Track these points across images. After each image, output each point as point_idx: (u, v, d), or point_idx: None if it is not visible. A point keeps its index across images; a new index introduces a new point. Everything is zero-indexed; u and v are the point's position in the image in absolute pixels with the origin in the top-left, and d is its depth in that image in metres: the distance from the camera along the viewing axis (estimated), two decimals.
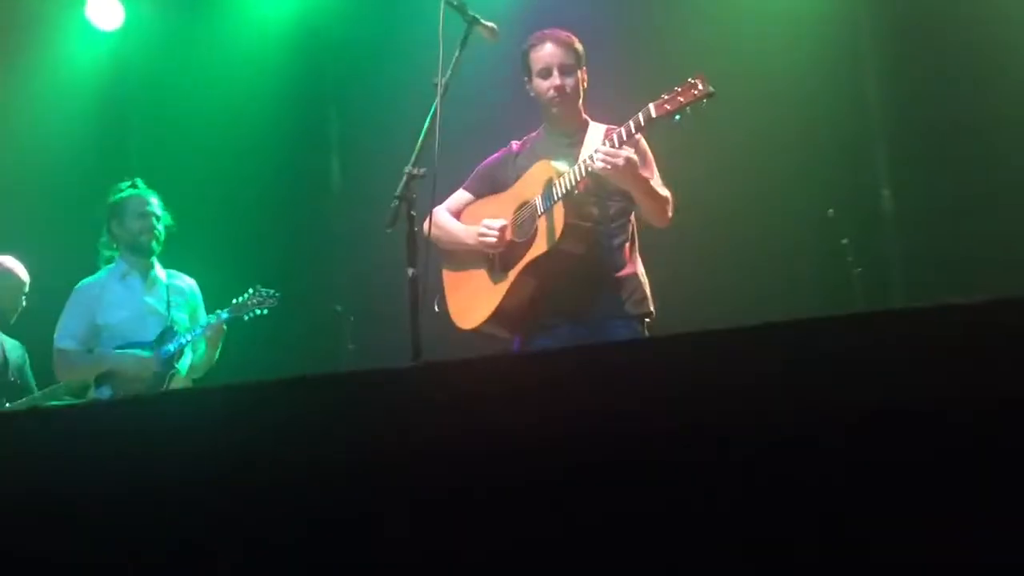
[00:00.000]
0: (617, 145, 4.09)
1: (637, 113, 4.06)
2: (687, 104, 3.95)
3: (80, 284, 5.65)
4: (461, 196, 4.65)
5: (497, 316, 4.37)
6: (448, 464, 1.82)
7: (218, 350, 5.56)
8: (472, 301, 4.46)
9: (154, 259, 5.63)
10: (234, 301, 5.50)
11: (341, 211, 7.62)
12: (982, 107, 6.20)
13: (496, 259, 4.42)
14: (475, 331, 4.45)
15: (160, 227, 5.59)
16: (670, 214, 4.34)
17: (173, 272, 5.73)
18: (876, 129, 6.59)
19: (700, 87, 3.94)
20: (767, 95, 6.34)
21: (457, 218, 4.59)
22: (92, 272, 5.71)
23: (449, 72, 4.04)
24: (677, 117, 3.98)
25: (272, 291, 5.56)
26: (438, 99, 4.00)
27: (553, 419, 1.81)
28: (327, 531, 1.88)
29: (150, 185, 5.74)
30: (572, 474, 1.81)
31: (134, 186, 5.69)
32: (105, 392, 5.38)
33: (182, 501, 1.94)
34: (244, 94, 7.71)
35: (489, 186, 4.61)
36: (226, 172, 7.39)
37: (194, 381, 5.51)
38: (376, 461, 1.85)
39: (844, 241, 5.90)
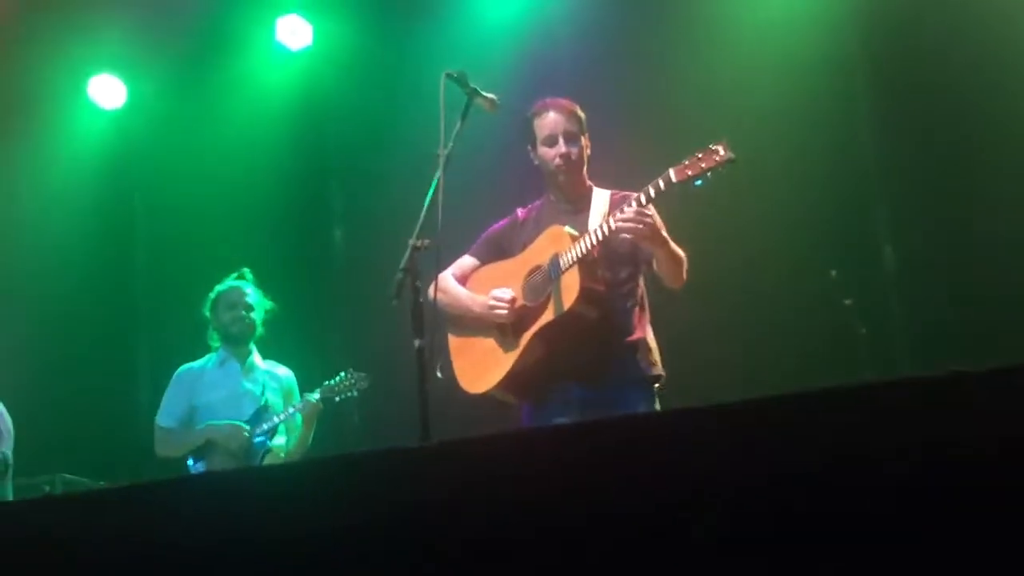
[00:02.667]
0: (644, 207, 4.07)
1: (656, 178, 4.03)
2: (708, 170, 3.92)
3: (181, 368, 5.87)
4: (467, 262, 4.62)
5: (508, 381, 4.33)
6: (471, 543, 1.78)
7: (312, 432, 5.69)
8: (481, 366, 4.42)
9: (252, 347, 5.85)
10: (326, 383, 5.67)
11: (345, 283, 7.60)
12: (982, 163, 6.19)
13: (507, 325, 4.38)
14: (484, 395, 4.41)
15: (253, 316, 5.81)
16: (685, 275, 4.32)
17: (272, 361, 5.92)
18: (876, 188, 6.59)
19: (722, 153, 3.92)
20: (764, 157, 6.32)
21: (463, 283, 4.56)
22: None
23: (451, 143, 4.04)
24: (698, 182, 3.95)
25: (364, 374, 5.71)
26: (440, 170, 4.00)
27: (572, 496, 1.77)
28: None
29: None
30: (593, 551, 1.77)
31: (240, 277, 5.91)
32: (200, 467, 5.56)
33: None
34: (247, 169, 7.72)
35: (496, 252, 4.59)
36: (230, 247, 7.37)
37: None
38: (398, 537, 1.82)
39: (847, 302, 5.87)
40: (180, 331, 6.59)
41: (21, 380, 6.24)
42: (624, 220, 4.06)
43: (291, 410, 5.62)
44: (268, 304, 5.87)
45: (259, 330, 5.84)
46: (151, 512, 2.13)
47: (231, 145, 7.79)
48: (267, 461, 5.52)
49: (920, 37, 6.45)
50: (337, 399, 5.65)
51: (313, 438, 5.80)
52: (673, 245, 4.26)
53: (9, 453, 5.61)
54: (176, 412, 5.74)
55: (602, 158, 4.64)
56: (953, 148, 6.29)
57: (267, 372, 5.82)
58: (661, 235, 4.16)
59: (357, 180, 7.72)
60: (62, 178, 7.97)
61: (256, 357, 5.86)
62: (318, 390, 5.64)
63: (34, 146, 7.93)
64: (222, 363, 5.81)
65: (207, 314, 5.89)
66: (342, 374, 5.68)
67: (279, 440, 5.66)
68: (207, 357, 5.89)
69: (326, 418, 6.05)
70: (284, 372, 5.90)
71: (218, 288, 5.88)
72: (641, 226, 4.05)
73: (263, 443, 5.56)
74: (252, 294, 5.84)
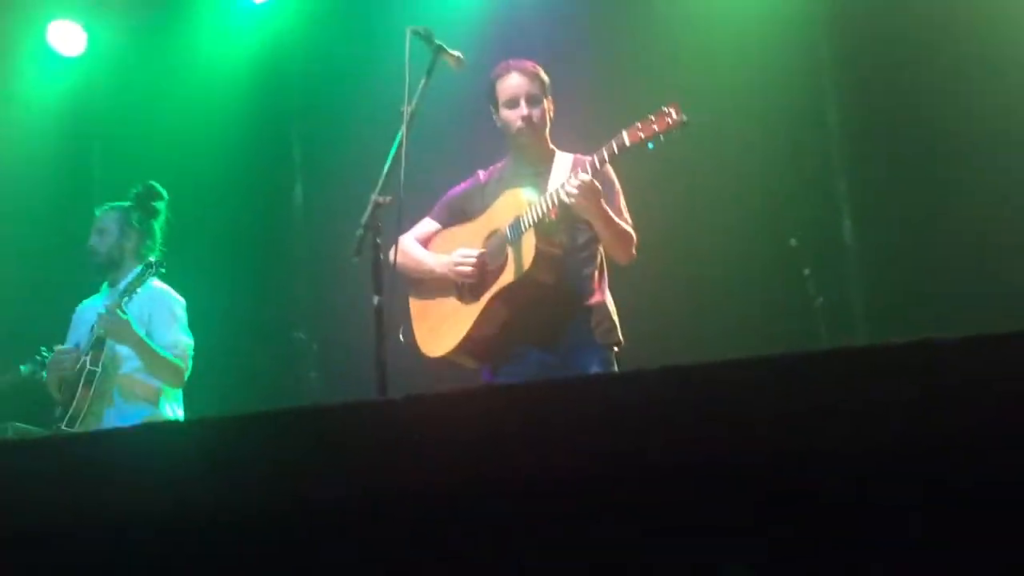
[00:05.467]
0: (590, 173, 4.07)
1: (610, 140, 4.04)
2: (661, 132, 3.93)
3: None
4: (428, 225, 4.62)
5: (466, 344, 4.35)
6: (430, 500, 1.78)
7: (138, 344, 5.12)
8: (440, 329, 4.43)
9: (128, 273, 5.25)
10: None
11: (304, 238, 7.57)
12: (943, 138, 6.23)
13: (465, 287, 4.39)
14: (443, 359, 4.42)
15: (98, 243, 5.41)
16: (633, 252, 4.34)
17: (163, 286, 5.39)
18: (837, 159, 6.61)
19: (674, 115, 3.93)
20: (727, 125, 6.34)
21: (424, 247, 4.56)
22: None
23: (415, 100, 4.03)
24: (650, 146, 3.96)
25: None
26: (404, 127, 3.98)
27: (535, 455, 1.78)
28: (308, 571, 1.84)
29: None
30: (557, 511, 1.78)
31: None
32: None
33: (157, 540, 1.90)
34: (207, 119, 7.64)
35: (456, 215, 4.59)
36: (188, 198, 7.27)
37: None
38: (357, 497, 1.82)
39: (806, 272, 5.92)
40: None
41: None
42: (570, 186, 4.07)
43: (93, 330, 5.15)
44: (135, 216, 5.40)
45: (114, 253, 5.37)
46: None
47: (192, 95, 7.70)
48: (96, 385, 5.08)
49: (886, 11, 6.46)
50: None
51: (264, 398, 5.66)
52: (618, 221, 4.27)
53: None
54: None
55: (567, 122, 4.64)
56: (917, 124, 6.31)
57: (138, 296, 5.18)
58: (597, 207, 4.15)
59: (319, 134, 7.67)
60: (20, 126, 7.86)
61: (128, 278, 5.22)
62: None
63: None
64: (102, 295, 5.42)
65: None
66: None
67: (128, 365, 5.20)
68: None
69: (278, 377, 6.00)
70: (157, 292, 5.31)
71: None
72: (576, 193, 4.06)
73: (90, 370, 5.10)
74: (105, 217, 5.45)
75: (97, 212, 5.54)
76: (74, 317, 5.52)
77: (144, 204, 5.49)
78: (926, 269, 6.09)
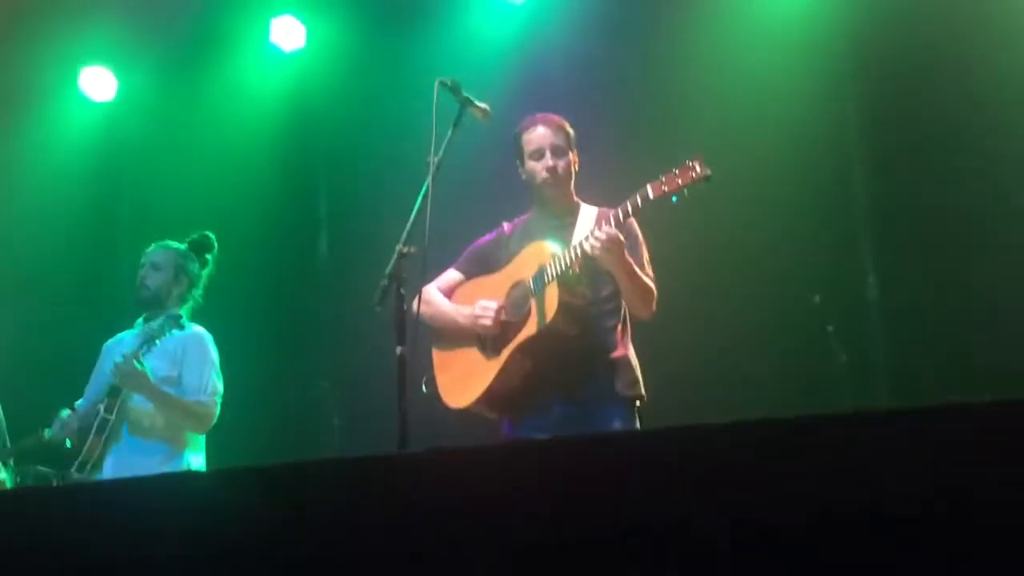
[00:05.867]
0: (614, 225, 4.08)
1: (634, 194, 4.06)
2: (684, 186, 3.95)
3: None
4: (452, 275, 4.63)
5: (488, 396, 4.34)
6: (447, 555, 1.77)
7: (154, 394, 5.08)
8: (463, 380, 4.42)
9: (167, 313, 5.23)
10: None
11: (329, 287, 7.59)
12: (971, 195, 6.18)
13: (488, 339, 4.39)
14: (464, 410, 4.41)
15: (148, 278, 5.38)
16: (654, 307, 4.35)
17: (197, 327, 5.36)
18: (863, 215, 6.57)
19: (698, 169, 3.95)
20: (751, 179, 6.33)
21: (448, 298, 4.57)
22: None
23: (442, 151, 4.05)
24: (674, 199, 3.98)
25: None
26: (430, 177, 4.00)
27: (551, 510, 1.77)
28: None
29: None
30: (579, 570, 1.77)
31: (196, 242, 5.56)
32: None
33: None
34: (235, 169, 7.71)
35: (480, 266, 4.60)
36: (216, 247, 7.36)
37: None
38: (373, 549, 1.81)
39: (829, 328, 5.88)
40: None
41: (5, 375, 6.22)
42: (595, 238, 4.09)
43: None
44: (192, 264, 5.41)
45: (162, 292, 5.34)
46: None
47: (220, 144, 7.78)
48: (109, 433, 5.08)
49: (914, 63, 6.45)
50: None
51: (287, 446, 5.64)
52: (640, 274, 4.28)
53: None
54: (89, 392, 5.37)
55: (592, 175, 4.66)
56: (944, 181, 6.27)
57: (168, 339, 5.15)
58: (621, 259, 4.17)
59: (345, 184, 7.71)
60: (51, 171, 7.95)
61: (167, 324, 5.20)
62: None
63: (24, 138, 7.92)
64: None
65: None
66: (161, 318, 5.13)
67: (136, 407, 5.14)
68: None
69: (302, 425, 5.99)
70: (195, 334, 5.27)
71: None
72: (600, 246, 4.08)
73: (103, 417, 5.07)
74: (163, 255, 5.43)
75: (152, 247, 5.53)
76: (104, 350, 5.51)
77: (200, 252, 5.54)
78: (952, 329, 6.05)
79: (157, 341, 5.09)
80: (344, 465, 1.98)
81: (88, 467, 5.11)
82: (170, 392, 5.15)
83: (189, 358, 5.27)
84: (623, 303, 4.41)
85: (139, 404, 5.19)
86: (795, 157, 6.54)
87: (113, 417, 5.13)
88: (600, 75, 7.10)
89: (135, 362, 5.05)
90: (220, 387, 5.30)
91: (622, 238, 4.12)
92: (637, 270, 4.25)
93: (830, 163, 6.61)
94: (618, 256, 4.13)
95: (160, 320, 5.13)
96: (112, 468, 5.13)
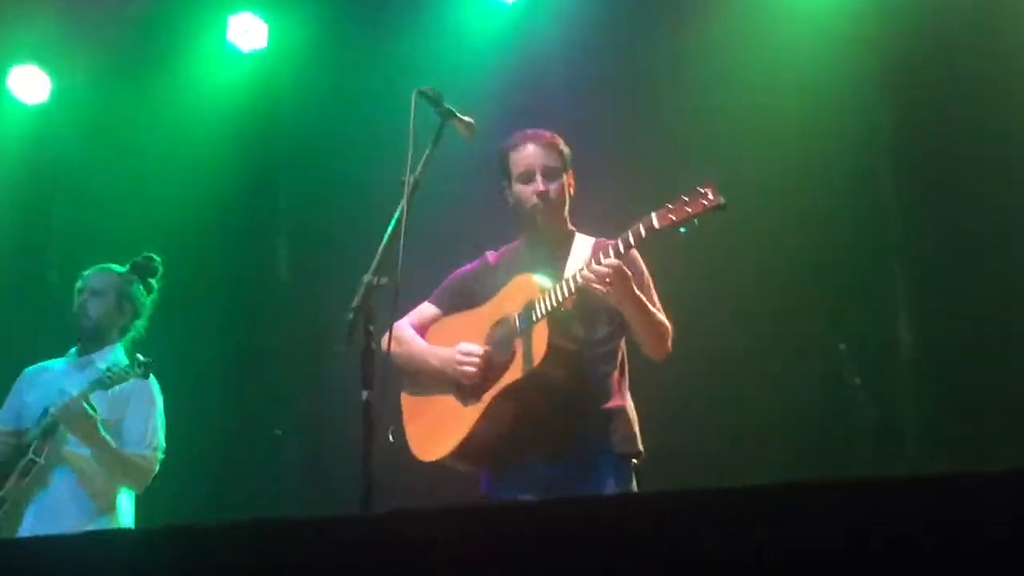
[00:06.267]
0: (613, 258, 4.08)
1: (637, 222, 4.05)
2: (695, 215, 3.91)
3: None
4: (427, 310, 4.63)
5: (464, 448, 4.33)
6: None
7: (97, 440, 5.07)
8: (436, 430, 4.41)
9: (106, 345, 5.36)
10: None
11: (288, 320, 7.55)
12: (1016, 235, 6.19)
13: (467, 385, 4.37)
14: (437, 463, 4.40)
15: (88, 304, 5.38)
16: (669, 346, 4.33)
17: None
18: (894, 255, 6.54)
19: (711, 197, 3.91)
20: (769, 210, 6.32)
21: (422, 335, 4.57)
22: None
23: (419, 170, 4.04)
24: (682, 230, 3.95)
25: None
26: (405, 199, 3.99)
27: None
28: None
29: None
30: None
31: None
32: None
33: None
34: (183, 180, 7.67)
35: (460, 301, 4.60)
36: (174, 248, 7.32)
37: None
38: None
39: (856, 382, 5.88)
40: None
41: None
42: (592, 271, 4.07)
43: (48, 415, 5.07)
44: (136, 290, 5.43)
45: (105, 323, 5.37)
46: None
47: (166, 154, 7.75)
48: (34, 477, 5.06)
49: (954, 101, 6.43)
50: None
51: (235, 501, 5.60)
52: (652, 309, 4.28)
53: None
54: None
55: (589, 201, 4.66)
56: (984, 218, 6.26)
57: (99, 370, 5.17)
58: (631, 293, 4.15)
59: (308, 204, 7.69)
60: None
61: (104, 355, 5.31)
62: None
63: None
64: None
65: None
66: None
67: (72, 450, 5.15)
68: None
69: (252, 478, 5.97)
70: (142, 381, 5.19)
71: None
72: (608, 280, 4.06)
73: (30, 459, 5.06)
74: (104, 279, 5.43)
75: (91, 271, 5.52)
76: (23, 379, 5.48)
77: (144, 276, 5.52)
78: (991, 384, 6.03)
79: (116, 388, 5.07)
80: (298, 526, 1.98)
81: (3, 507, 5.07)
82: (109, 440, 5.12)
83: (134, 404, 5.25)
84: (621, 346, 4.42)
85: (74, 448, 5.17)
86: (822, 188, 6.50)
87: (42, 461, 5.10)
88: (600, 84, 7.08)
89: (85, 405, 5.02)
90: (163, 442, 5.28)
91: (626, 269, 4.12)
92: (648, 305, 4.25)
93: (861, 198, 6.56)
94: (626, 289, 4.12)
95: (124, 366, 5.08)
96: (34, 519, 5.10)
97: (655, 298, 4.39)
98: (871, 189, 6.61)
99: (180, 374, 6.05)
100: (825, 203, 6.50)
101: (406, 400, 4.54)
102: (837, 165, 6.56)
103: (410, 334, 4.53)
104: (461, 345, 4.39)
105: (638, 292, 4.19)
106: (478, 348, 4.36)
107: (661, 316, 4.32)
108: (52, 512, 5.09)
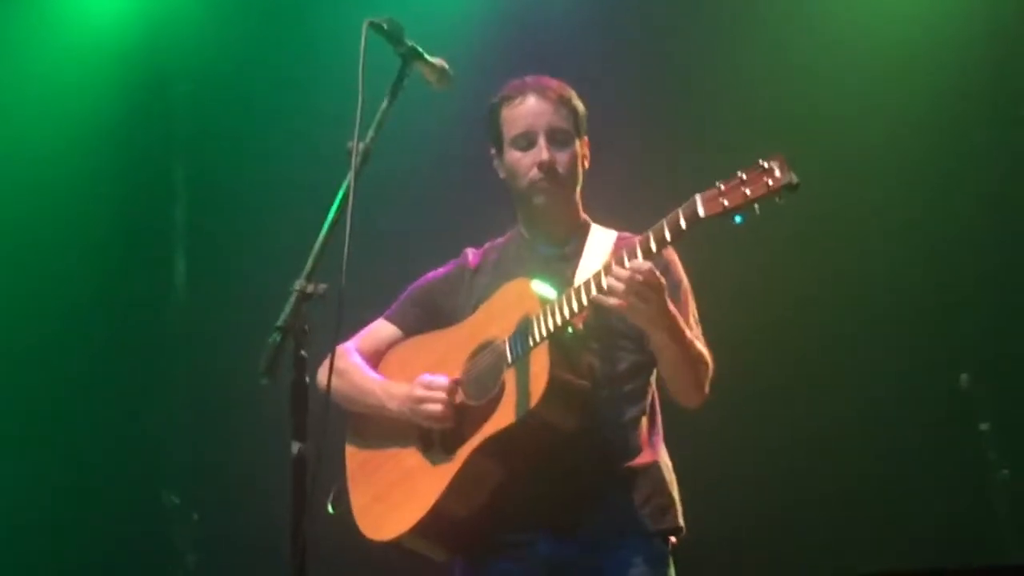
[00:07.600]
0: (640, 259, 4.00)
1: (675, 210, 3.93)
2: (755, 199, 3.76)
3: None
4: (382, 330, 4.63)
5: (431, 524, 4.27)
6: None
7: None
8: (391, 498, 4.39)
9: None
10: None
11: (186, 339, 7.58)
12: None
13: (436, 432, 4.34)
14: (394, 544, 4.36)
15: None
16: (707, 388, 4.28)
17: None
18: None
19: (777, 174, 3.76)
20: (856, 195, 6.38)
21: (374, 364, 4.55)
22: None
23: (371, 134, 3.99)
24: (738, 219, 3.85)
25: None
26: (351, 175, 3.94)
27: None
28: None
29: None
30: None
31: None
32: None
33: None
34: (47, 139, 7.70)
35: (428, 317, 4.59)
36: (12, 266, 7.35)
37: None
38: None
39: (983, 427, 5.91)
40: None
41: None
42: (613, 276, 3.97)
43: None
44: None
45: None
46: None
47: (24, 123, 7.76)
48: None
49: None
50: None
51: None
52: (691, 336, 4.21)
53: None
54: None
55: (611, 181, 4.64)
56: None
57: None
58: (665, 311, 4.04)
59: (215, 181, 7.71)
60: None
61: None
62: None
63: None
64: None
65: None
66: None
67: None
68: None
69: (139, 560, 6.01)
70: None
71: None
72: (634, 291, 3.97)
73: None
74: None
75: None
76: None
77: None
78: None
79: None
80: None
81: None
82: None
83: None
84: (651, 382, 4.38)
85: None
86: (921, 151, 6.62)
87: None
88: (621, 27, 7.11)
89: None
90: None
91: (660, 277, 4.04)
92: (686, 330, 4.19)
93: (984, 178, 6.67)
94: (659, 305, 4.03)
95: None
96: None
97: (692, 318, 4.36)
98: (998, 171, 6.71)
99: (39, 411, 6.07)
100: (931, 187, 6.62)
101: (351, 455, 4.54)
102: (936, 128, 6.68)
103: (355, 362, 4.51)
104: (423, 376, 4.35)
105: (674, 310, 4.13)
106: (443, 379, 4.31)
107: (701, 346, 4.26)
108: None
